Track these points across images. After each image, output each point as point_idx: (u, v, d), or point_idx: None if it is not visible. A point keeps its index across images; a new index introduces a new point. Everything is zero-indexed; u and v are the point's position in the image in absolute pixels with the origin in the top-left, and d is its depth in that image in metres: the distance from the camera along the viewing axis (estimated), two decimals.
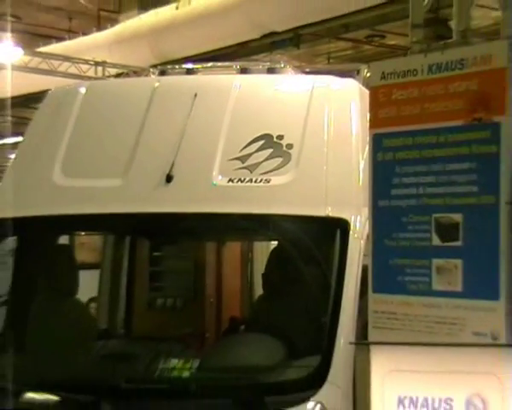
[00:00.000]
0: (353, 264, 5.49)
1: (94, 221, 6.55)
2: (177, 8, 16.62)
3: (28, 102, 15.38)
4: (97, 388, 5.51)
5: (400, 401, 3.86)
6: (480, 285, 4.06)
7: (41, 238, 6.92)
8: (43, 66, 18.51)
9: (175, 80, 7.14)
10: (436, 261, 4.20)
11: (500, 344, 3.90)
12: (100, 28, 19.92)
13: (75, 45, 19.19)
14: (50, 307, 6.62)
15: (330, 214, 5.75)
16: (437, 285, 4.20)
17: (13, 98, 17.38)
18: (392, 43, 18.55)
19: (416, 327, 4.25)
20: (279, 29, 14.93)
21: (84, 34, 20.09)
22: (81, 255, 8.22)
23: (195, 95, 6.45)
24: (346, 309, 5.39)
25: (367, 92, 5.04)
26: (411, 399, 3.84)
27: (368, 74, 6.28)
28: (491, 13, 11.90)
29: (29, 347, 6.49)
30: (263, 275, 7.06)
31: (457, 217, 4.13)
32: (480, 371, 3.77)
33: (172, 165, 6.03)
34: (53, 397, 5.54)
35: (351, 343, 4.62)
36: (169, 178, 6.02)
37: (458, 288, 4.12)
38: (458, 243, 4.13)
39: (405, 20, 7.60)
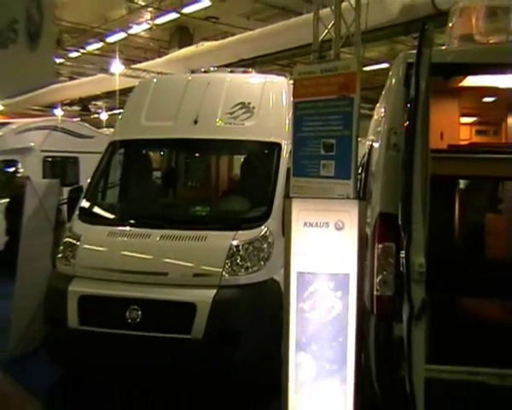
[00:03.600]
0: (283, 164, 5.60)
1: (159, 142, 6.62)
2: (196, 47, 16.42)
3: (127, 92, 15.07)
4: (162, 219, 5.59)
5: (305, 224, 3.85)
6: (342, 172, 4.03)
7: (135, 150, 6.90)
8: (134, 74, 18.24)
9: (198, 76, 7.02)
10: (322, 161, 4.14)
11: (350, 198, 3.94)
12: (160, 56, 19.44)
13: (148, 65, 18.65)
14: (140, 184, 6.66)
15: (273, 140, 5.84)
16: (323, 173, 4.14)
17: (120, 91, 17.08)
18: None
19: (311, 192, 4.16)
20: (246, 57, 14.70)
21: (152, 59, 19.65)
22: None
23: (208, 83, 6.46)
24: (279, 184, 5.51)
25: (290, 84, 5.03)
26: (310, 222, 3.85)
27: (290, 78, 6.27)
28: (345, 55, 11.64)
29: (131, 202, 6.58)
30: (240, 169, 7.03)
31: (333, 141, 4.08)
32: (341, 209, 3.82)
33: (197, 115, 6.07)
34: (141, 223, 5.61)
35: (283, 197, 4.66)
36: (196, 122, 6.05)
37: (332, 174, 4.08)
38: (333, 154, 4.09)
39: (308, 55, 7.48)
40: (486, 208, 7.24)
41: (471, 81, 4.91)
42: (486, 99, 5.93)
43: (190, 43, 18.10)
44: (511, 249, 6.15)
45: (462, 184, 8.09)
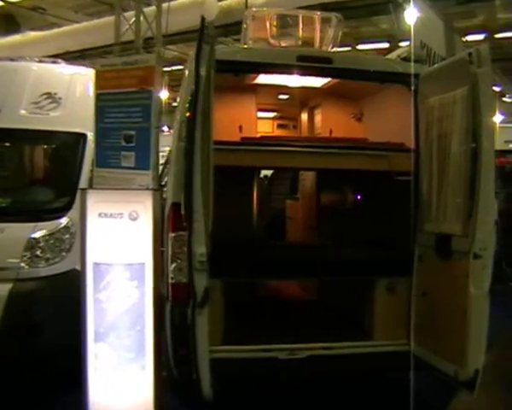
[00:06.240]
0: (88, 155, 5.08)
1: None
2: (22, 36, 15.28)
3: None
4: None
5: (99, 215, 3.59)
6: (142, 163, 3.82)
7: None
8: None
9: (4, 63, 5.90)
10: (123, 153, 3.91)
11: (147, 189, 3.71)
12: None
13: None
14: None
15: (78, 131, 5.27)
16: (124, 163, 3.91)
17: None
18: None
19: (113, 182, 3.92)
20: (72, 49, 13.87)
21: None
22: None
23: (14, 71, 5.69)
24: (83, 175, 5.02)
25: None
26: (104, 213, 3.58)
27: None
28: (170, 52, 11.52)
29: None
30: (47, 160, 6.17)
31: (133, 132, 3.86)
32: (135, 200, 3.60)
33: (1, 104, 5.35)
34: None
35: (80, 189, 4.23)
36: None
37: (133, 165, 3.86)
38: (133, 145, 3.86)
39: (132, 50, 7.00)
40: (287, 196, 7.43)
41: (265, 79, 4.88)
42: (281, 96, 6.00)
43: (17, 32, 16.49)
44: (307, 233, 6.35)
45: (267, 173, 8.23)
